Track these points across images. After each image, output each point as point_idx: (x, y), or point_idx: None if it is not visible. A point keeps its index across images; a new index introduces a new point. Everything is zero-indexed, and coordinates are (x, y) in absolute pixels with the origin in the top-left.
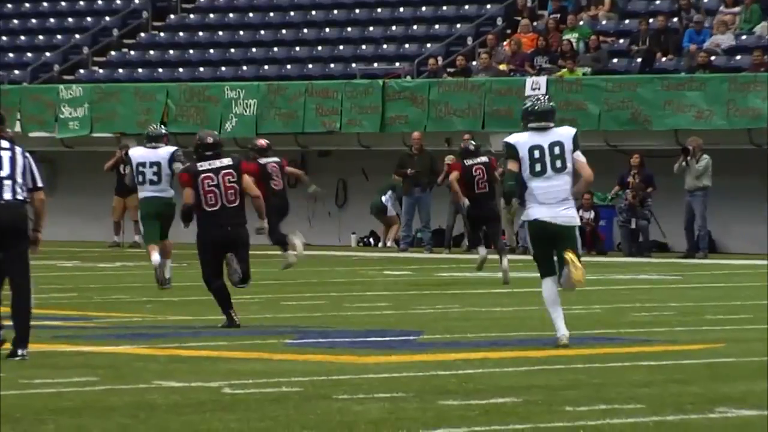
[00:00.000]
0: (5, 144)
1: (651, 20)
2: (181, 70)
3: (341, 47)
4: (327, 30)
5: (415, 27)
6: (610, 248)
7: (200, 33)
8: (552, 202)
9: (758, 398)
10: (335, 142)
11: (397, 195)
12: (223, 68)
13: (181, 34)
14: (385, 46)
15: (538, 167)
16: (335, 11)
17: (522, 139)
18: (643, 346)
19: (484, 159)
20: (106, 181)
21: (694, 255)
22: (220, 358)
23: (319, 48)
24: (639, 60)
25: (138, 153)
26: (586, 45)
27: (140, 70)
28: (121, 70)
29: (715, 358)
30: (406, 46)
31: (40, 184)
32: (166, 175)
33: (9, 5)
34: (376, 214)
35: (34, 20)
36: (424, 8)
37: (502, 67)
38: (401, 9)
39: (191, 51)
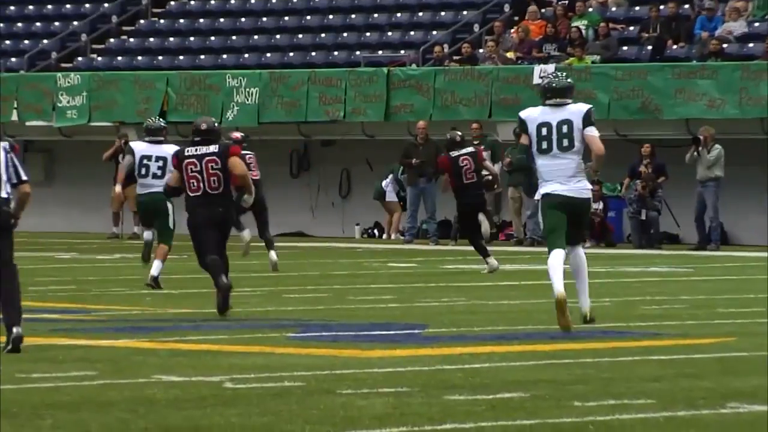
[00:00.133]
0: None
1: (662, 7)
2: (181, 57)
3: (345, 34)
4: (330, 17)
5: (420, 14)
6: (620, 240)
7: (201, 20)
8: (559, 179)
9: None
10: (339, 132)
11: (394, 177)
12: (225, 56)
13: (181, 21)
14: (389, 33)
15: (544, 145)
16: None
17: (533, 115)
18: (654, 339)
19: (470, 149)
20: (104, 171)
21: (705, 247)
22: (221, 351)
23: (323, 35)
24: (649, 48)
25: (141, 146)
26: (595, 32)
27: (140, 57)
28: (120, 58)
29: (727, 353)
30: (412, 33)
31: (24, 177)
32: (170, 171)
33: None
34: (379, 199)
35: (31, 7)
36: None
37: (510, 54)
38: None
39: (192, 38)
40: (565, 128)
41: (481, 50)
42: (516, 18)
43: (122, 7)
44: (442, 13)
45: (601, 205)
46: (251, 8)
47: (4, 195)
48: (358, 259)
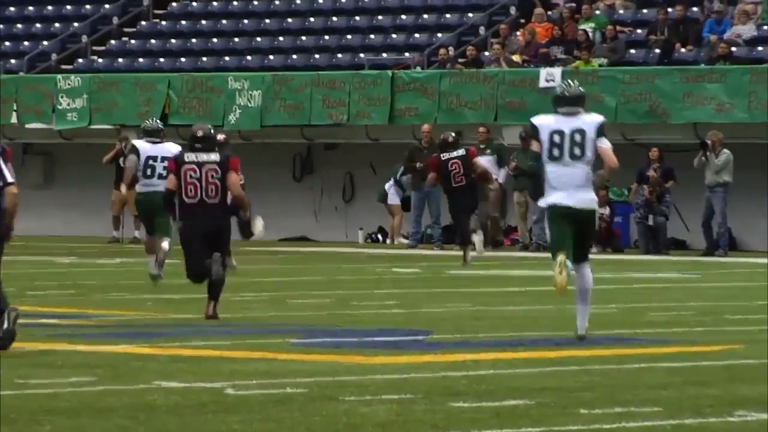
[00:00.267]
0: None
1: (670, 9)
2: (183, 59)
3: (349, 36)
4: (334, 18)
5: (425, 16)
6: (627, 246)
7: (203, 21)
8: (567, 187)
9: None
10: (342, 135)
11: (395, 179)
12: (227, 58)
13: (183, 22)
14: (394, 35)
15: (556, 152)
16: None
17: (546, 122)
18: (661, 346)
19: (461, 152)
20: (105, 174)
21: (713, 253)
22: (223, 357)
23: (326, 37)
24: (657, 51)
25: (146, 146)
26: (602, 35)
27: (141, 59)
28: (121, 60)
29: (735, 360)
30: (416, 35)
31: (10, 179)
32: None
33: None
34: (383, 201)
35: (31, 8)
36: None
37: (516, 57)
38: None
39: (194, 40)
40: (578, 137)
41: (486, 53)
42: (522, 20)
43: (123, 8)
44: (447, 16)
45: (607, 210)
46: (254, 10)
47: None
48: (362, 264)
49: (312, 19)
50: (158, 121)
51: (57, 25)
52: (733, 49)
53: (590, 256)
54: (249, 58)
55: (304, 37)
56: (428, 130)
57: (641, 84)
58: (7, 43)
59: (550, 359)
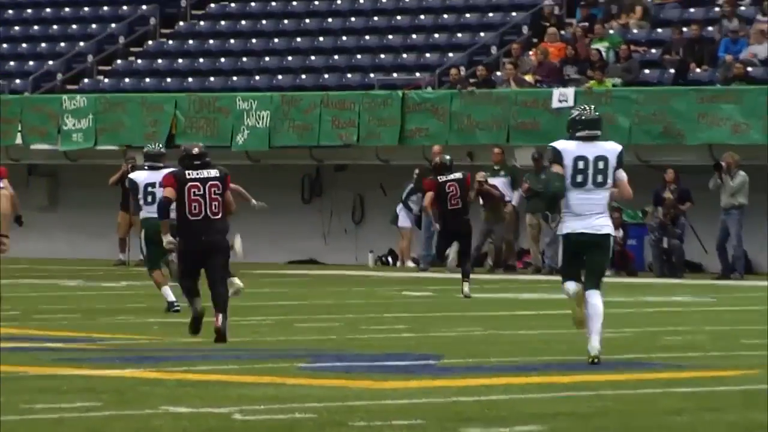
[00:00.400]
0: None
1: (685, 29)
2: (190, 79)
3: (359, 56)
4: (344, 38)
5: (436, 35)
6: (641, 268)
7: (211, 41)
8: (587, 214)
9: None
10: (352, 156)
11: (402, 201)
12: (235, 78)
13: (190, 41)
14: (404, 55)
15: (579, 178)
16: (352, 18)
17: (569, 147)
18: (676, 371)
19: (458, 175)
20: (110, 195)
21: (729, 276)
22: (231, 382)
23: (336, 57)
24: (672, 71)
25: (143, 175)
26: (616, 55)
27: (147, 79)
28: (127, 80)
29: (751, 385)
30: (427, 55)
31: None
32: None
33: (10, 11)
34: (394, 223)
35: (36, 27)
36: (445, 16)
37: (528, 77)
38: (422, 17)
39: (201, 60)
40: (601, 164)
41: (498, 73)
42: (535, 40)
43: (130, 27)
44: (459, 35)
45: (621, 233)
46: (262, 29)
47: None
48: (372, 287)
49: (321, 39)
50: (160, 145)
51: (62, 44)
52: (749, 69)
53: (604, 279)
54: (257, 78)
55: (313, 57)
56: (439, 151)
57: (655, 104)
58: (11, 63)
59: (563, 384)
